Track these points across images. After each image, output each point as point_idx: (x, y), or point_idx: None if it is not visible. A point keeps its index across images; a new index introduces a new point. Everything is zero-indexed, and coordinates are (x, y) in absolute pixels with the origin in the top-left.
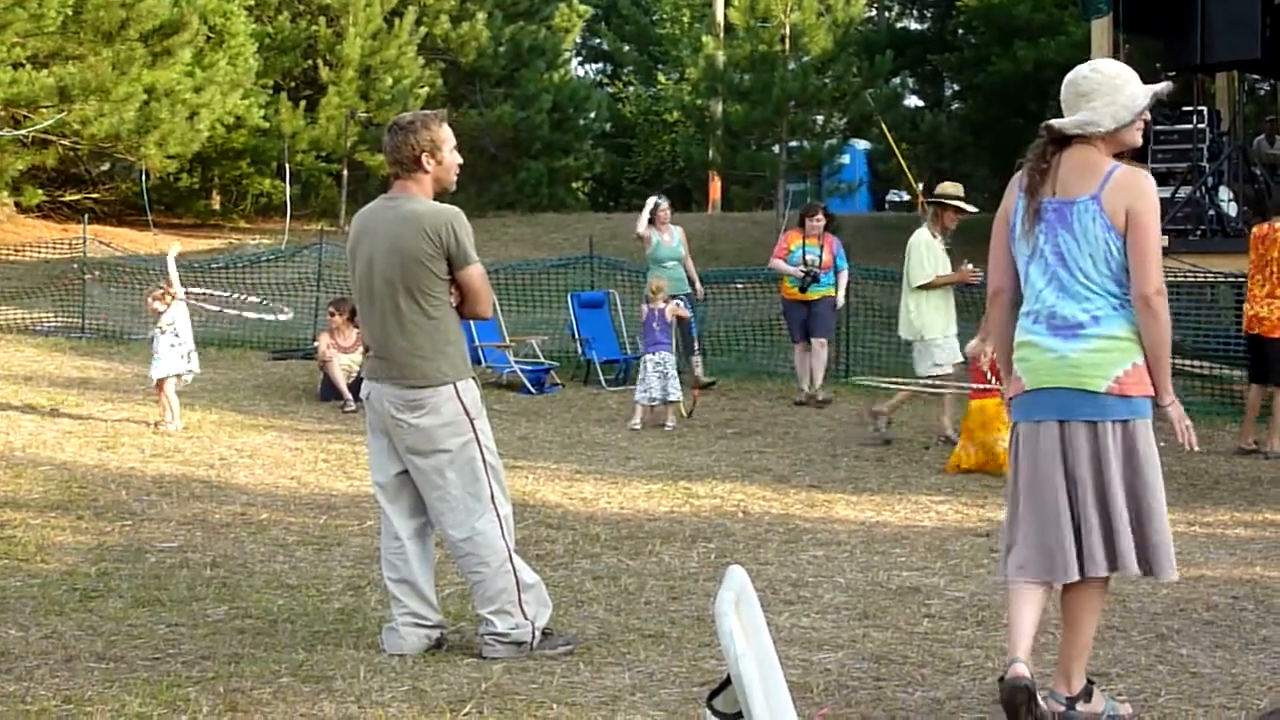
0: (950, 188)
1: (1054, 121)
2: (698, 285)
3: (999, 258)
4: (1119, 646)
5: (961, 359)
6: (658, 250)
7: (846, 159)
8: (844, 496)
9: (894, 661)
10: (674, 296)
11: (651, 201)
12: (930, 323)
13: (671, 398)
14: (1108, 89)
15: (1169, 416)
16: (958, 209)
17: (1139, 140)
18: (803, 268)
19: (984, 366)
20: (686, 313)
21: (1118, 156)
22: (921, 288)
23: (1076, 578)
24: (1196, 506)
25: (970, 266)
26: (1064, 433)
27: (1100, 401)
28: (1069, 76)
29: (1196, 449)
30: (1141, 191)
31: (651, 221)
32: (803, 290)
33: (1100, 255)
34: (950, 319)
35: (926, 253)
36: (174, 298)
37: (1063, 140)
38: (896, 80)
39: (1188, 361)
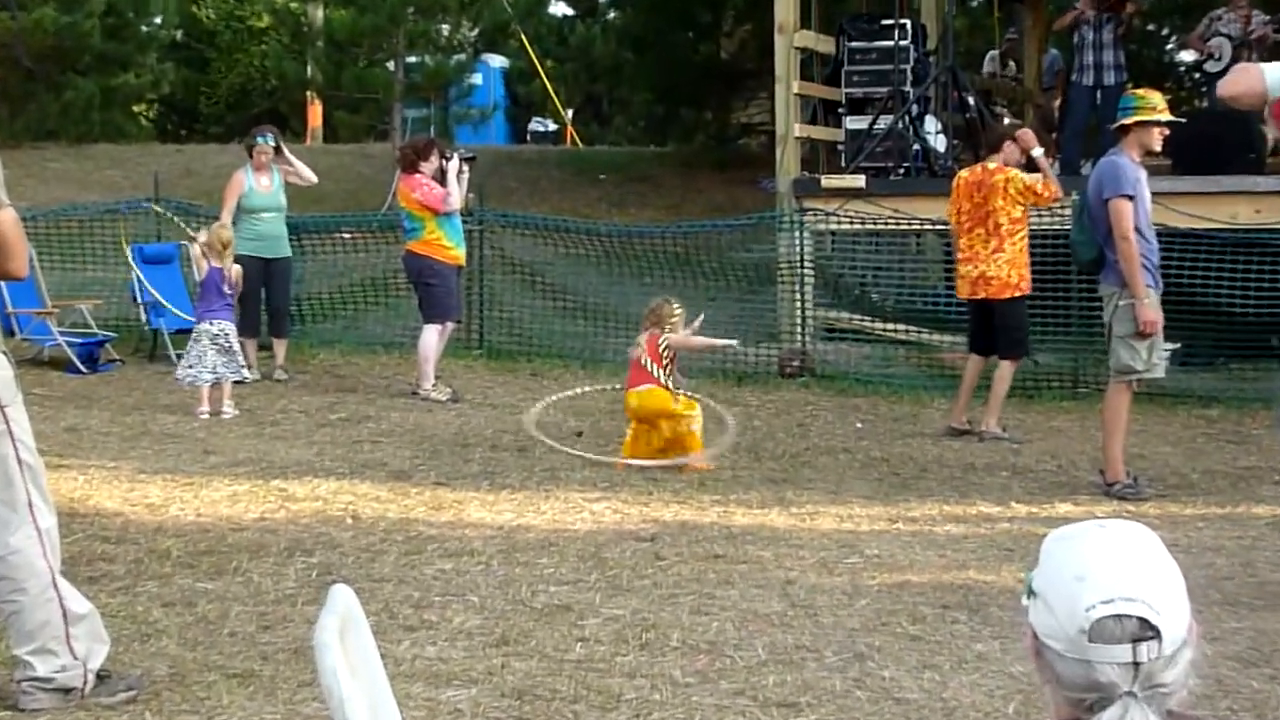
0: None
1: None
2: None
3: None
4: (809, 670)
5: None
6: (250, 198)
7: (478, 79)
8: (478, 496)
9: (541, 697)
10: (275, 259)
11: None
12: None
13: (235, 378)
14: None
15: None
16: None
17: None
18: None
19: (646, 358)
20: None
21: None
22: None
23: None
24: (899, 499)
25: None
26: None
27: None
28: None
29: None
30: None
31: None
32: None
33: None
34: None
35: None
36: None
37: None
38: None
39: (889, 326)
